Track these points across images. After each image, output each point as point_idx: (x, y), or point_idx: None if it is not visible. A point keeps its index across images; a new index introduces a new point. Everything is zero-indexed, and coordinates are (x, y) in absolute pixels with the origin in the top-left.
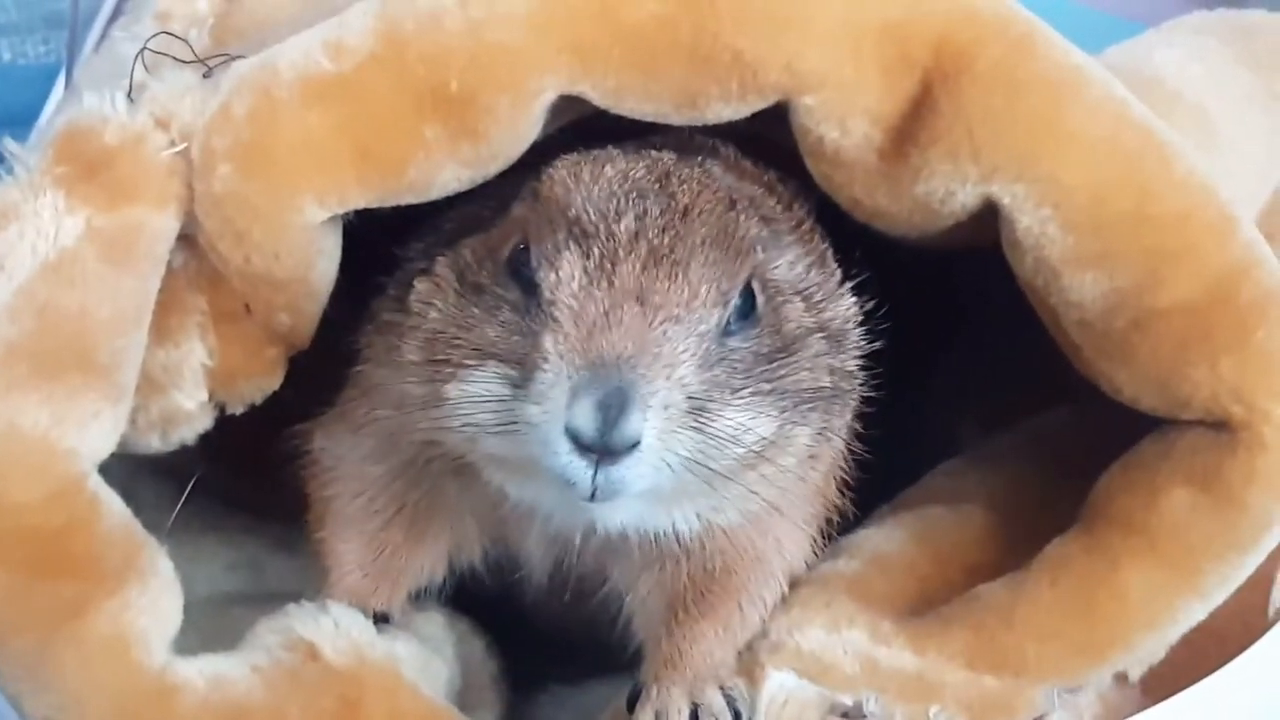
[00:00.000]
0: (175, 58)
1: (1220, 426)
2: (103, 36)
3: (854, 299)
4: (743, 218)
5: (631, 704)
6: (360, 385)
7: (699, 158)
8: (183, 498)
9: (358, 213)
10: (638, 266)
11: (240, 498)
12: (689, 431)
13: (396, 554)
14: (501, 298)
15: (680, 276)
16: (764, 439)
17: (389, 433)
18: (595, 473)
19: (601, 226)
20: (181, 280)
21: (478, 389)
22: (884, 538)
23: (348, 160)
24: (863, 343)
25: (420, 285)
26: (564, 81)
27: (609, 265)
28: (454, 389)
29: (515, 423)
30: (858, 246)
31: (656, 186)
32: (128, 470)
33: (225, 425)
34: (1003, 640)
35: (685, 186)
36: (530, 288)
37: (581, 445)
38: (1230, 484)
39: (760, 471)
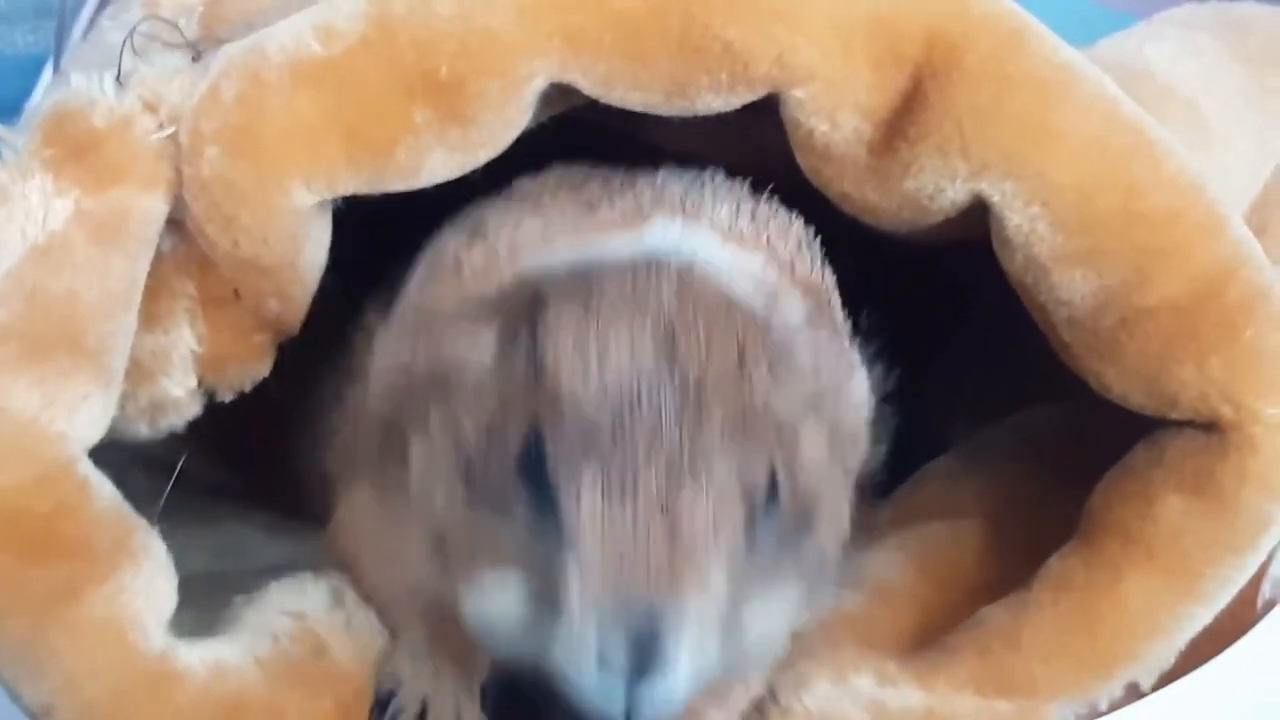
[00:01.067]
0: (164, 42)
1: (1210, 428)
2: (91, 25)
3: (863, 373)
4: (758, 381)
5: None
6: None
7: (695, 253)
8: (170, 483)
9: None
10: (661, 476)
11: (228, 486)
12: (724, 641)
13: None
14: (515, 499)
15: (704, 482)
16: (796, 614)
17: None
18: (628, 694)
19: (618, 432)
20: (170, 265)
21: (496, 603)
22: (884, 564)
23: (336, 144)
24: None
25: (418, 452)
26: (554, 68)
27: (630, 479)
28: (470, 600)
29: (540, 650)
30: (849, 241)
31: (665, 360)
32: (118, 462)
33: (213, 415)
34: (1010, 664)
35: (693, 349)
36: (546, 494)
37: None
38: (1223, 487)
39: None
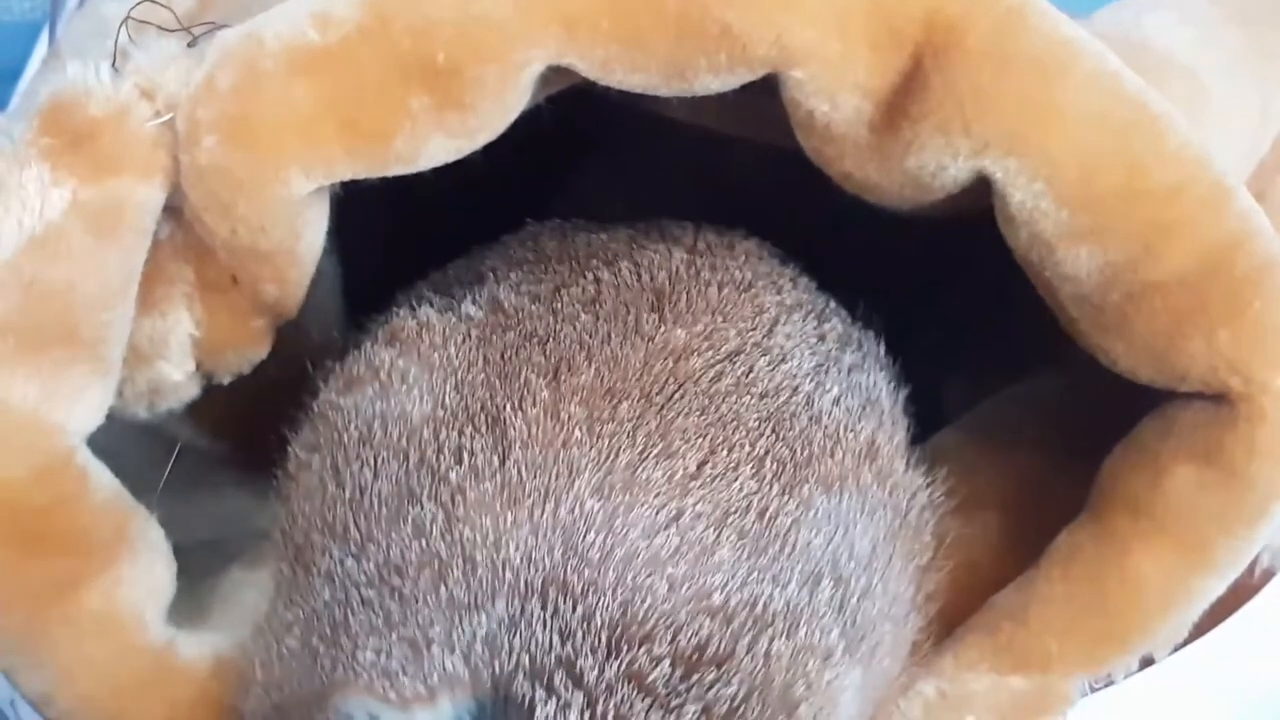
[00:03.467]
0: (159, 26)
1: (1220, 400)
2: None
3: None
4: None
5: None
6: None
7: None
8: (170, 462)
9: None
10: None
11: (225, 456)
12: None
13: None
14: None
15: None
16: None
17: None
18: None
19: None
20: (167, 251)
21: None
22: None
23: (334, 132)
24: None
25: None
26: (551, 53)
27: None
28: None
29: None
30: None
31: None
32: (112, 433)
33: (208, 391)
34: (1022, 640)
35: None
36: None
37: None
38: (1233, 458)
39: None
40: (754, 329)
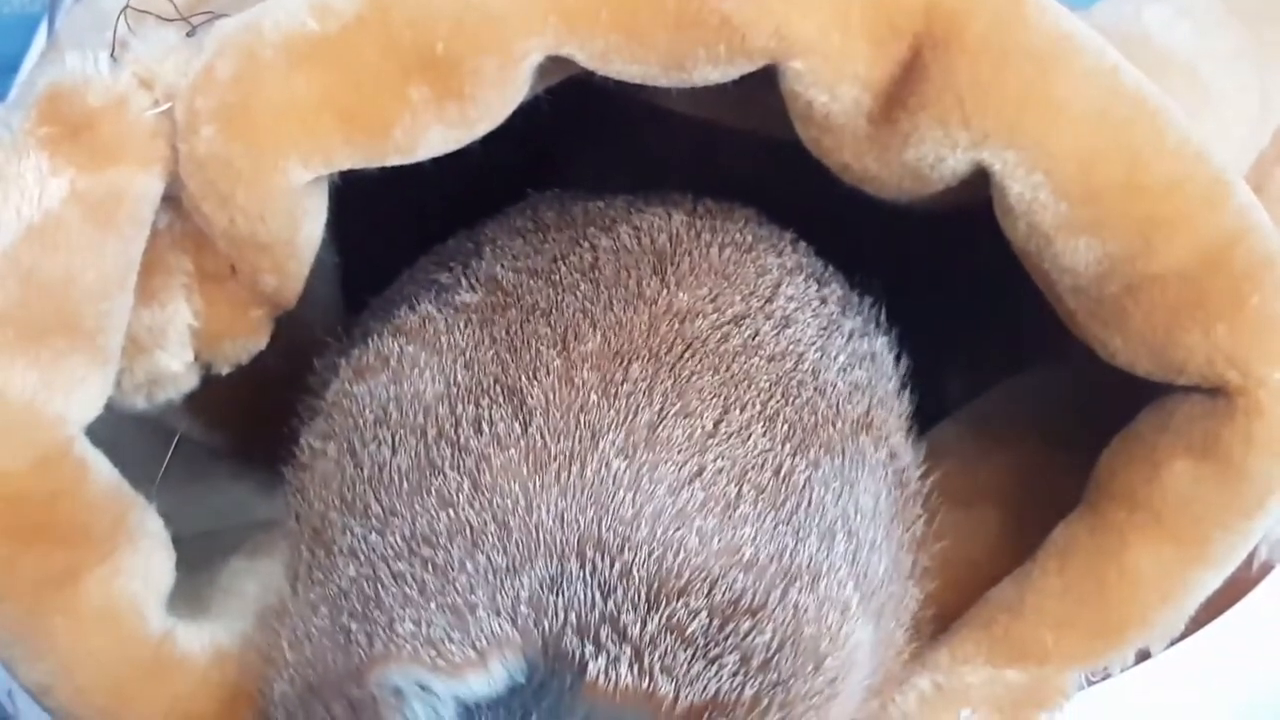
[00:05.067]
0: (158, 16)
1: (1217, 393)
2: None
3: None
4: None
5: None
6: None
7: None
8: (169, 454)
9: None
10: None
11: (223, 448)
12: None
13: None
14: None
15: None
16: None
17: None
18: None
19: None
20: (166, 241)
21: None
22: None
23: (333, 122)
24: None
25: None
26: (550, 44)
27: None
28: None
29: None
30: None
31: None
32: (111, 424)
33: (206, 382)
34: (1018, 633)
35: None
36: None
37: None
38: (1230, 451)
39: None
40: (757, 292)
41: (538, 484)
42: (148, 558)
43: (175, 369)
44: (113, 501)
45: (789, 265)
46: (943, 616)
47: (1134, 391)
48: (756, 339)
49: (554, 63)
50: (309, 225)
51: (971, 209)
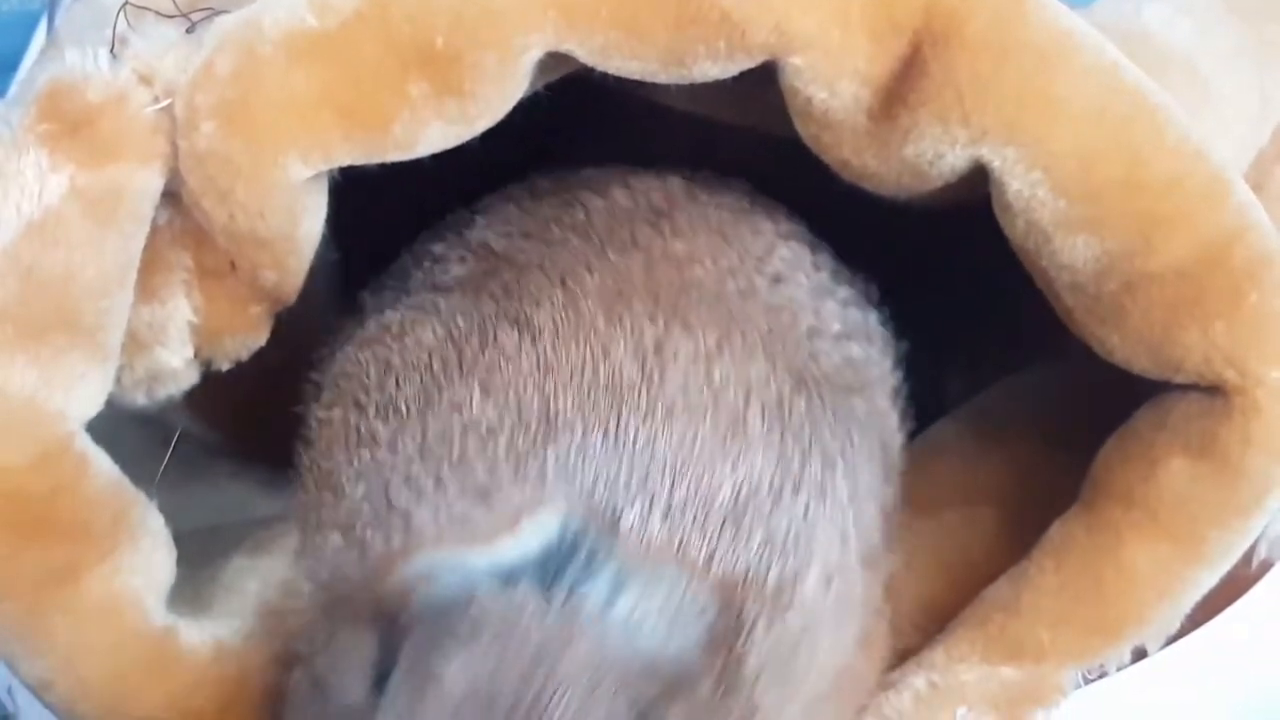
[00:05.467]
0: (158, 12)
1: (1214, 392)
2: None
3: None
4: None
5: None
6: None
7: (578, 600)
8: (169, 452)
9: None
10: None
11: (222, 445)
12: None
13: None
14: None
15: None
16: None
17: None
18: None
19: None
20: (166, 237)
21: None
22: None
23: (332, 118)
24: None
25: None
26: (550, 39)
27: None
28: None
29: None
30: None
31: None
32: (112, 422)
33: (206, 378)
34: (1014, 631)
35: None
36: None
37: None
38: (1227, 450)
39: None
40: (752, 251)
41: (552, 385)
42: (149, 554)
43: (175, 365)
44: (113, 498)
45: (782, 231)
46: (940, 610)
47: (1132, 390)
48: (753, 290)
49: (554, 59)
50: (309, 221)
51: (970, 206)
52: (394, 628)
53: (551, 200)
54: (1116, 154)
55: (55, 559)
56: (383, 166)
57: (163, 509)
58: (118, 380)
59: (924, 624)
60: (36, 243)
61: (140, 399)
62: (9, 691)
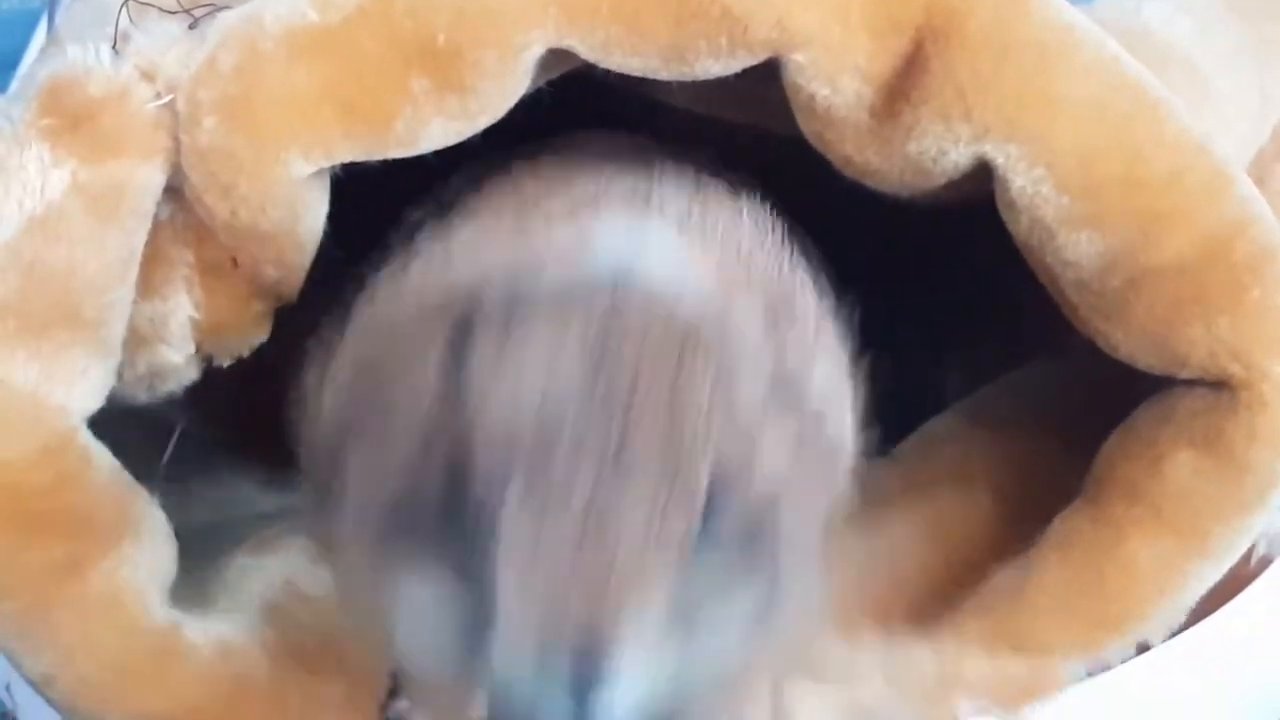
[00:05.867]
0: (160, 8)
1: (1220, 386)
2: None
3: (840, 359)
4: (698, 388)
5: None
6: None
7: (642, 258)
8: (170, 447)
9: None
10: (588, 489)
11: (223, 442)
12: (674, 664)
13: None
14: (439, 527)
15: (637, 493)
16: (756, 625)
17: None
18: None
19: (542, 448)
20: (168, 233)
21: (426, 633)
22: (896, 538)
23: (334, 114)
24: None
25: (355, 465)
26: (551, 35)
27: (557, 493)
28: (399, 631)
29: (471, 677)
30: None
31: (594, 377)
32: (114, 419)
33: (208, 375)
34: (1016, 622)
35: (623, 361)
36: (470, 517)
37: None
38: (1233, 445)
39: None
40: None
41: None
42: (151, 549)
43: (176, 361)
44: (115, 493)
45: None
46: (940, 599)
47: (1132, 386)
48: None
49: (555, 56)
50: (310, 217)
51: (973, 202)
52: (468, 310)
53: (525, 159)
54: (1118, 149)
55: (58, 554)
56: (384, 163)
57: (165, 506)
58: (119, 376)
59: (921, 601)
60: (38, 238)
61: (142, 395)
62: (7, 688)
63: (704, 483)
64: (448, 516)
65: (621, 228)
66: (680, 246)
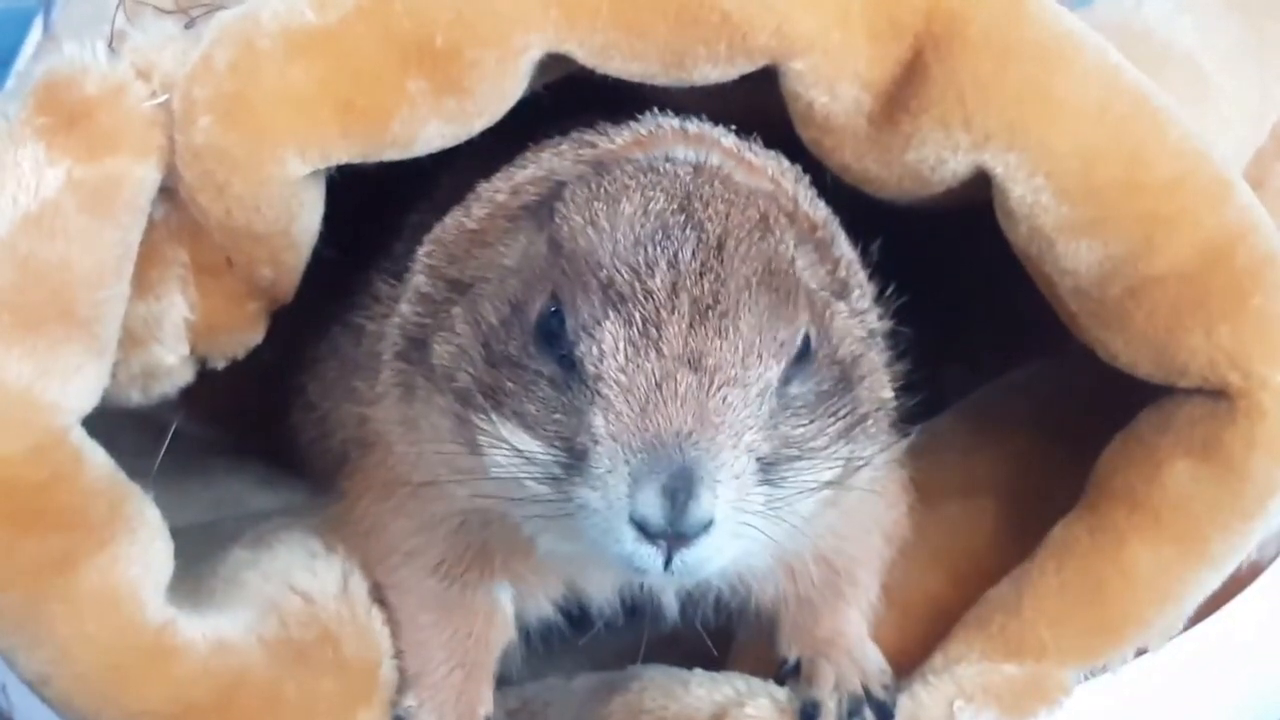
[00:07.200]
0: (156, 7)
1: (1219, 395)
2: None
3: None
4: (781, 243)
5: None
6: (380, 448)
7: (709, 158)
8: (164, 446)
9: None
10: (684, 326)
11: (218, 443)
12: (761, 496)
13: (479, 643)
14: (537, 371)
15: (732, 331)
16: (835, 479)
17: (431, 499)
18: (668, 556)
19: (637, 285)
20: (162, 233)
21: (524, 471)
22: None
23: (330, 113)
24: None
25: (440, 348)
26: (550, 38)
27: (654, 330)
28: (497, 468)
29: (571, 506)
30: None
31: (682, 218)
32: (108, 421)
33: (202, 377)
34: (1015, 630)
35: (711, 210)
36: (568, 359)
37: (649, 533)
38: (1231, 453)
39: (838, 500)
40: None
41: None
42: (146, 546)
43: (171, 362)
44: (109, 489)
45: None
46: (942, 606)
47: (1131, 388)
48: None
49: (553, 60)
50: (305, 217)
51: (972, 208)
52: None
53: None
54: (1118, 155)
55: (52, 548)
56: (380, 165)
57: (160, 505)
58: (114, 376)
59: (926, 615)
60: (33, 234)
61: (136, 396)
62: (3, 690)
63: (796, 332)
64: (545, 351)
65: (689, 146)
66: (741, 168)
